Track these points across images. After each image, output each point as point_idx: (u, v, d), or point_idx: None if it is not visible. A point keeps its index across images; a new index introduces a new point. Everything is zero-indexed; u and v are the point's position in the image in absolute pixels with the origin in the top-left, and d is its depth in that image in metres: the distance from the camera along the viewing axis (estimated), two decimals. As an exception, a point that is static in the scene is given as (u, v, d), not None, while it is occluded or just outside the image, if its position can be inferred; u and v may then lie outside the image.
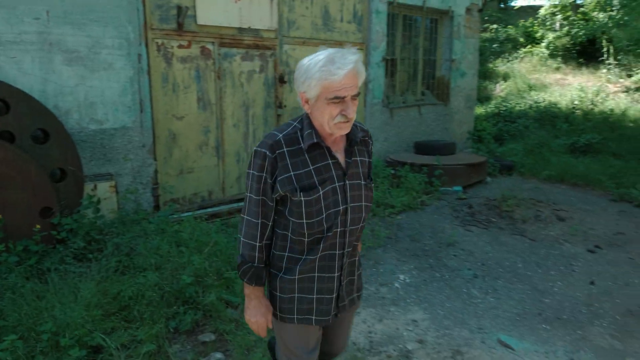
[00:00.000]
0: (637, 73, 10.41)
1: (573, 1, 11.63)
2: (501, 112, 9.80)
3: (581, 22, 12.26)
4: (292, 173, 1.54)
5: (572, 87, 10.70)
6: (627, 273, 3.88)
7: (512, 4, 17.14)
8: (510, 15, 15.61)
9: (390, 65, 7.04)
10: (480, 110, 9.92)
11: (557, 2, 13.28)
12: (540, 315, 3.22)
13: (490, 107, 10.43)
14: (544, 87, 11.06)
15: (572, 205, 5.53)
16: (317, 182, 1.55)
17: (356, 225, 1.66)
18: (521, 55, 12.72)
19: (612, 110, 9.27)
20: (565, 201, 5.72)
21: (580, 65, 11.93)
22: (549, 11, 13.86)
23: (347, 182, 1.61)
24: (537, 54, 12.43)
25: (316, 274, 1.64)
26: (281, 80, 5.33)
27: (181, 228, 3.81)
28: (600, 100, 9.83)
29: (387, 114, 6.87)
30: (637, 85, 10.15)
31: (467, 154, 7.16)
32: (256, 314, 1.67)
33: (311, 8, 5.59)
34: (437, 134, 7.53)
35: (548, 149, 7.63)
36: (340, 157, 1.62)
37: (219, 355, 2.70)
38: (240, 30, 4.92)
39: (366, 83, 6.46)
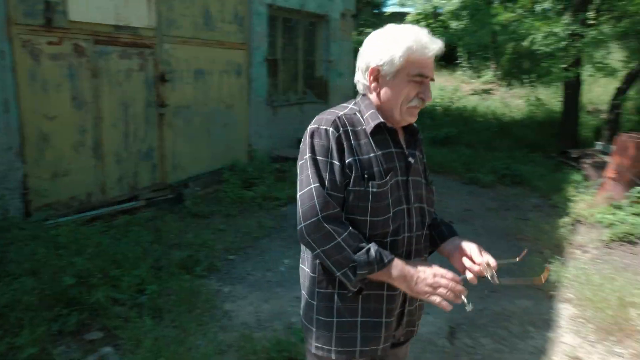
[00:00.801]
0: (485, 75, 12.12)
1: (433, 10, 13.06)
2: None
3: (440, 29, 13.73)
4: (357, 157, 1.29)
5: (434, 87, 12.11)
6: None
7: (384, 10, 18.66)
8: (383, 20, 16.99)
9: (272, 65, 7.35)
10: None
11: (421, 11, 14.77)
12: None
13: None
14: (412, 86, 12.34)
15: (433, 190, 6.39)
16: (383, 172, 1.31)
17: (420, 231, 1.41)
18: (392, 58, 13.97)
19: (465, 107, 10.72)
20: (428, 186, 6.58)
21: (441, 67, 13.50)
22: (415, 18, 15.34)
23: (410, 177, 1.38)
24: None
25: (385, 292, 1.35)
26: (162, 79, 5.32)
27: (59, 232, 3.69)
28: (456, 99, 11.28)
29: (270, 112, 7.18)
30: (484, 86, 11.84)
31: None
32: (426, 275, 1.27)
33: (191, 8, 5.65)
34: (318, 130, 8.01)
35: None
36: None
37: (108, 349, 2.75)
38: (117, 27, 4.82)
39: (249, 82, 6.70)
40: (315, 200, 1.25)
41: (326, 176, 1.27)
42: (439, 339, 2.97)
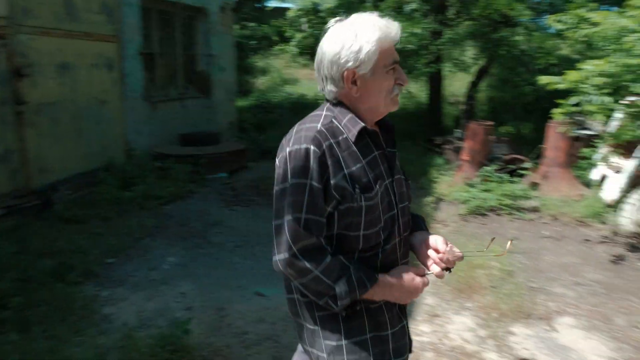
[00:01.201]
0: (362, 70, 12.92)
1: (313, 7, 13.43)
2: (261, 103, 10.85)
3: (321, 24, 14.12)
4: (346, 171, 1.20)
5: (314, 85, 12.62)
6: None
7: (267, 4, 18.75)
8: (265, 14, 17.08)
9: (148, 59, 7.04)
10: (242, 102, 10.74)
11: (302, 7, 15.06)
12: (288, 267, 3.97)
13: (252, 99, 11.40)
14: (295, 81, 12.67)
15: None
16: (372, 181, 1.23)
17: (407, 232, 1.37)
18: (275, 52, 14.16)
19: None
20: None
21: (322, 62, 14.07)
22: (295, 14, 15.55)
23: (394, 177, 1.31)
24: (289, 52, 14.07)
25: (382, 303, 1.29)
26: (19, 73, 4.83)
27: None
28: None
29: (149, 108, 6.90)
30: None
31: (230, 143, 7.78)
32: (402, 284, 1.26)
33: (49, -4, 5.19)
34: (202, 126, 7.90)
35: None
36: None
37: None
38: (-45, 15, 4.26)
39: (123, 77, 6.35)
40: (287, 235, 1.16)
41: (304, 202, 1.16)
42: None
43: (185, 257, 4.09)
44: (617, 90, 3.92)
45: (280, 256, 1.19)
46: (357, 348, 1.25)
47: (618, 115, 5.23)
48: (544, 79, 4.03)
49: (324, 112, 1.27)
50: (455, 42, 7.42)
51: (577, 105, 3.79)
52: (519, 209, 5.43)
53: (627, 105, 4.34)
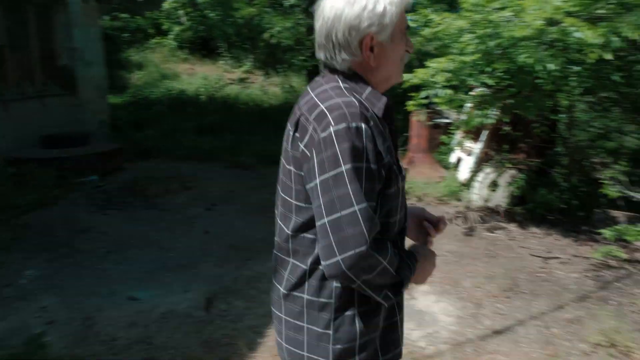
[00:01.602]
0: (245, 65, 12.87)
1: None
2: (138, 100, 10.27)
3: (199, 18, 13.75)
4: (388, 150, 1.07)
5: (198, 76, 12.26)
6: (232, 219, 5.07)
7: (140, -5, 17.67)
8: (138, 5, 16.09)
9: (-6, 52, 6.26)
10: (117, 99, 10.06)
11: (178, -1, 14.34)
12: (165, 268, 3.88)
13: (128, 95, 10.73)
14: (175, 76, 12.19)
15: (198, 176, 6.57)
16: (397, 159, 1.14)
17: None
18: (152, 46, 13.45)
19: (229, 95, 11.23)
20: (193, 174, 6.71)
21: (204, 56, 13.71)
22: (172, 5, 14.90)
23: (397, 152, 1.21)
24: (167, 45, 13.46)
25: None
26: None
27: None
28: (219, 87, 11.70)
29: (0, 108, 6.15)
30: (245, 76, 12.58)
31: (102, 143, 7.27)
32: (430, 262, 1.22)
33: None
34: (68, 126, 7.25)
35: (180, 132, 8.62)
36: None
37: None
38: None
39: (-38, 73, 5.58)
40: (363, 226, 0.98)
41: (366, 188, 1.00)
42: (196, 310, 3.21)
43: (47, 269, 3.77)
44: (462, 83, 4.47)
45: (349, 254, 0.98)
46: (371, 345, 1.15)
47: (468, 104, 5.95)
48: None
49: (341, 84, 1.09)
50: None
51: (427, 98, 4.25)
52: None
53: (473, 96, 4.97)
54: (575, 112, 5.88)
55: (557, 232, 4.76)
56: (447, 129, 7.16)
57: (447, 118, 7.65)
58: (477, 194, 5.77)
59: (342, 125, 0.99)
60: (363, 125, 1.00)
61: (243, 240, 4.47)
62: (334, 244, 1.00)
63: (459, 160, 6.76)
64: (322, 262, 1.03)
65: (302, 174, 1.07)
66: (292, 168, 1.09)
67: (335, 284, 1.10)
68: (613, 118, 5.71)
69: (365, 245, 0.98)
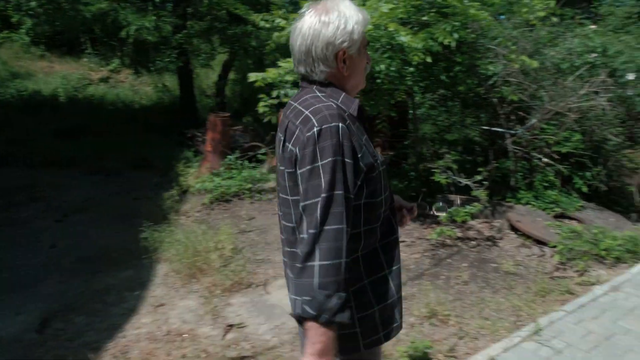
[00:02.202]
0: (113, 63, 11.99)
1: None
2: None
3: (56, 10, 12.48)
4: (363, 144, 1.29)
5: (57, 75, 11.16)
6: (87, 230, 4.73)
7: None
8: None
9: None
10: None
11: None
12: (-3, 290, 3.51)
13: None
14: (29, 75, 10.96)
15: (54, 185, 6.01)
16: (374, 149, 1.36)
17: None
18: (-1, 40, 11.95)
19: (93, 95, 10.41)
20: (49, 182, 6.12)
21: (64, 54, 12.51)
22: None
23: None
24: (18, 41, 12.03)
25: (400, 265, 1.44)
26: None
27: None
28: (82, 87, 10.78)
29: None
30: (112, 75, 11.74)
31: None
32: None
33: None
34: None
35: (36, 136, 7.80)
36: None
37: None
38: None
39: None
40: (334, 211, 1.17)
41: (342, 178, 1.19)
42: (28, 333, 2.96)
43: None
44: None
45: (312, 231, 1.15)
46: (387, 311, 1.38)
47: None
48: (252, 76, 4.47)
49: (318, 93, 1.32)
50: (191, 36, 7.58)
51: (277, 97, 4.36)
52: (260, 191, 5.99)
53: None
54: (424, 108, 6.51)
55: (407, 218, 5.23)
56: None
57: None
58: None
59: (324, 126, 1.19)
60: (340, 125, 1.20)
61: (96, 252, 4.20)
62: (304, 224, 1.18)
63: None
64: (306, 232, 1.17)
65: (292, 170, 1.24)
66: (284, 168, 1.28)
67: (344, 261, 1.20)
68: (455, 113, 6.43)
69: (319, 228, 1.15)
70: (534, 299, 3.39)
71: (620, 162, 4.87)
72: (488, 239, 4.69)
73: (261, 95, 4.37)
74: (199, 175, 6.19)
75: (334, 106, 1.25)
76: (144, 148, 7.76)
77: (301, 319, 1.16)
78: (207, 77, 11.48)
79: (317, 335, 1.14)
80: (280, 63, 4.42)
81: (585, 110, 4.44)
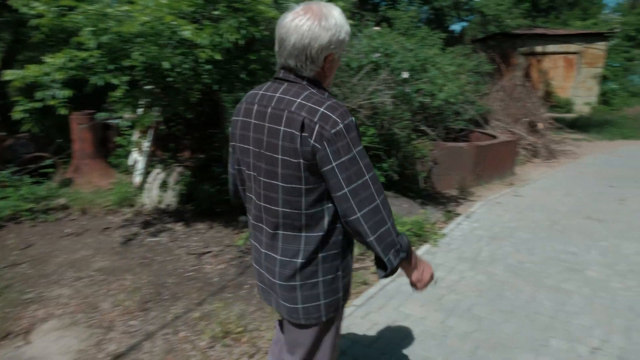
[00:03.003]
0: None
1: None
2: None
3: None
4: None
5: None
6: None
7: None
8: None
9: None
10: None
11: None
12: None
13: None
14: None
15: None
16: None
17: None
18: None
19: None
20: None
21: None
22: None
23: None
24: None
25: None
26: None
27: None
28: None
29: None
30: None
31: None
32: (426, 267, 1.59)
33: None
34: None
35: None
36: None
37: None
38: None
39: None
40: (372, 189, 1.39)
41: (369, 162, 1.40)
42: None
43: None
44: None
45: (364, 210, 1.38)
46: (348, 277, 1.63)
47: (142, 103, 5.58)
48: (9, 74, 3.65)
49: (313, 89, 1.42)
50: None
51: (41, 100, 3.63)
52: (45, 211, 5.07)
53: (148, 95, 4.55)
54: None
55: (220, 225, 4.95)
56: (120, 130, 6.66)
57: (120, 117, 7.14)
58: (149, 196, 5.53)
59: (347, 121, 1.36)
60: (353, 118, 1.38)
61: None
62: (354, 205, 1.37)
63: (136, 162, 6.38)
64: (345, 220, 1.41)
65: (314, 162, 1.36)
66: (301, 160, 1.37)
67: (340, 237, 1.50)
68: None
69: (377, 200, 1.39)
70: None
71: (410, 152, 5.34)
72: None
73: (17, 98, 3.58)
74: (-42, 198, 4.95)
75: (339, 102, 1.40)
76: None
77: (395, 268, 1.44)
78: None
79: (411, 266, 1.51)
80: (46, 58, 3.69)
81: (376, 106, 4.71)
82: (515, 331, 2.97)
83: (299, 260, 1.46)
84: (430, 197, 6.08)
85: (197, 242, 4.54)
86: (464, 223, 5.21)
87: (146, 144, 6.04)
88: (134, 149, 6.44)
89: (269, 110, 1.40)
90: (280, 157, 1.38)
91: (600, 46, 17.48)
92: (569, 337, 2.94)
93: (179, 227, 4.91)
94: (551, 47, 17.67)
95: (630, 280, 3.84)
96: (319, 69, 1.42)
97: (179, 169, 5.54)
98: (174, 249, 4.39)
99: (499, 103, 9.62)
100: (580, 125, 14.23)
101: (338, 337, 1.66)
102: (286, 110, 1.37)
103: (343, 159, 1.34)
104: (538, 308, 3.30)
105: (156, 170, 5.66)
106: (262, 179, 1.46)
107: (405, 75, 4.49)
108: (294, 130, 1.35)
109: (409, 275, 1.53)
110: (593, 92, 17.88)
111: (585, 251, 4.48)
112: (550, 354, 2.75)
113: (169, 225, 4.92)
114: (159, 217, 5.14)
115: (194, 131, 5.52)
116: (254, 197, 1.53)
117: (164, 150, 5.64)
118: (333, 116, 1.33)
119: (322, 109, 1.35)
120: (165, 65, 3.67)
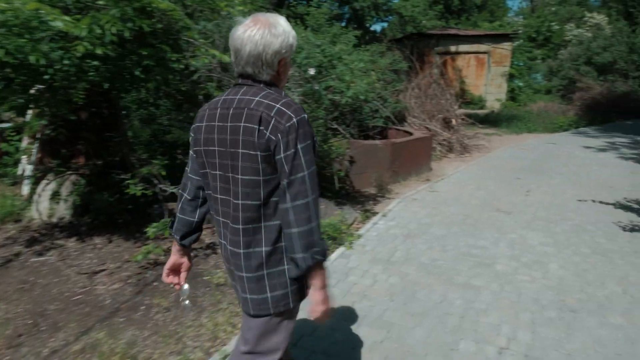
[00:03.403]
0: None
1: None
2: None
3: None
4: None
5: None
6: None
7: None
8: None
9: None
10: None
11: None
12: None
13: None
14: None
15: None
16: None
17: None
18: None
19: None
20: None
21: None
22: None
23: None
24: None
25: None
26: None
27: None
28: None
29: None
30: None
31: None
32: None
33: None
34: None
35: None
36: None
37: None
38: None
39: None
40: (312, 184, 1.49)
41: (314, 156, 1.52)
42: None
43: None
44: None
45: (315, 195, 1.49)
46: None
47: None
48: None
49: (270, 90, 1.55)
50: None
51: None
52: None
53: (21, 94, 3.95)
54: (136, 107, 5.78)
55: (120, 238, 4.48)
56: (3, 136, 5.90)
57: (6, 121, 6.34)
58: (37, 210, 4.90)
59: (300, 117, 1.48)
60: (306, 115, 1.51)
61: None
62: (288, 195, 1.47)
63: (24, 172, 5.67)
64: (280, 206, 1.50)
65: (269, 154, 1.46)
66: (258, 152, 1.47)
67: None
68: (167, 111, 5.91)
69: (308, 198, 1.48)
70: (238, 311, 3.16)
71: (325, 152, 5.19)
72: (209, 246, 4.36)
73: None
74: None
75: (295, 101, 1.63)
76: None
77: (310, 269, 1.50)
78: None
79: (322, 274, 1.53)
80: None
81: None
82: (425, 336, 2.90)
83: (264, 249, 1.55)
84: (348, 196, 5.99)
85: (91, 259, 4.06)
86: (380, 222, 5.16)
87: (33, 152, 5.37)
88: (23, 157, 5.73)
89: (231, 111, 1.52)
90: (240, 151, 1.49)
91: (506, 46, 18.70)
92: (477, 337, 2.91)
93: (71, 243, 4.38)
94: (463, 47, 18.61)
95: (535, 271, 3.96)
96: (274, 72, 1.56)
97: (73, 178, 4.96)
98: (63, 268, 3.88)
99: (415, 100, 9.84)
100: (491, 120, 15.08)
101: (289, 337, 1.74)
102: (246, 108, 1.49)
103: (290, 151, 1.45)
104: (449, 308, 3.27)
105: (46, 180, 5.03)
106: (227, 174, 1.54)
107: (312, 71, 4.32)
108: (252, 125, 1.47)
109: (314, 288, 1.54)
110: (502, 89, 19.10)
111: (494, 244, 4.59)
112: (459, 358, 2.69)
113: (59, 242, 4.37)
114: (48, 233, 4.56)
115: (90, 135, 4.96)
116: (219, 195, 1.60)
117: (53, 158, 5.02)
118: (288, 112, 1.46)
119: (278, 105, 1.48)
120: (32, 59, 3.18)
